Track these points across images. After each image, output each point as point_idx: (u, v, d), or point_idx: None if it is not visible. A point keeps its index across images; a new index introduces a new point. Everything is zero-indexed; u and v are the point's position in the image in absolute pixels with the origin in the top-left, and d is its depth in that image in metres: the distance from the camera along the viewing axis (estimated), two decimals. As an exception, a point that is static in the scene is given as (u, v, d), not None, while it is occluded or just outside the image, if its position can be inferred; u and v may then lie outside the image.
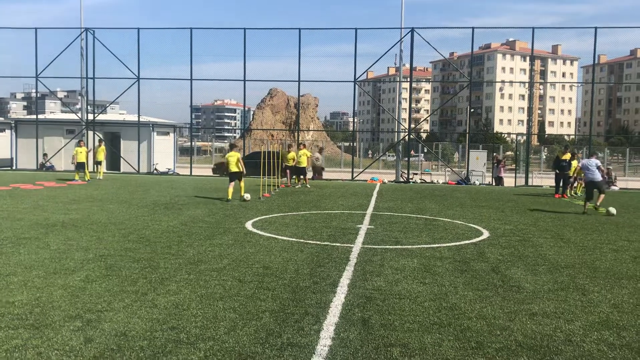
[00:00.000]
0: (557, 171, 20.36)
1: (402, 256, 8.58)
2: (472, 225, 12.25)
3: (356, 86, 29.48)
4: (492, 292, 6.56)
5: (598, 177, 15.34)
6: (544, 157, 45.04)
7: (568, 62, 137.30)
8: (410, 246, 9.48)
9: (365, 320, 5.38)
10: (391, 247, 9.39)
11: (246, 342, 4.72)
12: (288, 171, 22.26)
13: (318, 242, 9.56)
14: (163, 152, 32.95)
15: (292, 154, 22.25)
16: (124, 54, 30.87)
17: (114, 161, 31.48)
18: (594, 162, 15.52)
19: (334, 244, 9.42)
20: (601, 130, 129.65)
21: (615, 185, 26.86)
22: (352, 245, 9.33)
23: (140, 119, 31.27)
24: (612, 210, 14.70)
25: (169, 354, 4.42)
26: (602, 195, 15.37)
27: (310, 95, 66.55)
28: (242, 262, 7.86)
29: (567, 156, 20.19)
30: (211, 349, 4.55)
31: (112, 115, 40.70)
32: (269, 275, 7.10)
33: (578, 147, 49.48)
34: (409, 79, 31.14)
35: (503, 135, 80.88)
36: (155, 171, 31.16)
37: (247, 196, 16.31)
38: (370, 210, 14.73)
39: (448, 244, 9.73)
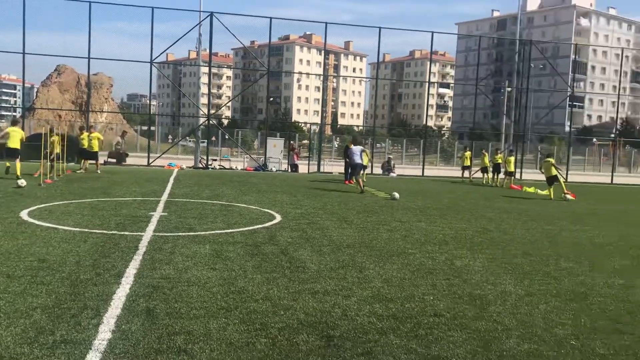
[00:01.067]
0: (347, 159, 21.94)
1: (194, 243, 8.48)
2: (266, 210, 12.60)
3: (153, 67, 28.31)
4: (279, 274, 6.81)
5: (359, 160, 19.17)
6: (336, 146, 48.09)
7: (358, 58, 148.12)
8: (203, 232, 9.42)
9: (150, 310, 5.20)
10: (184, 234, 9.23)
11: (10, 343, 4.25)
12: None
13: (104, 232, 9.01)
14: None
15: (84, 135, 20.66)
16: None
17: None
18: (359, 148, 19.47)
19: (123, 233, 8.96)
20: (385, 123, 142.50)
21: (394, 173, 29.77)
22: (142, 234, 8.96)
23: None
24: (396, 195, 16.31)
25: None
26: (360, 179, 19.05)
27: (103, 74, 62.30)
28: (13, 255, 7.07)
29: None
30: (-35, 354, 4.01)
31: None
32: (44, 268, 6.49)
33: (365, 138, 53.73)
34: (212, 65, 30.82)
35: (300, 124, 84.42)
36: None
37: (22, 182, 14.70)
38: (165, 197, 14.31)
39: (241, 229, 9.87)
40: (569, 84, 40.76)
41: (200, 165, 28.43)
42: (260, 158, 30.39)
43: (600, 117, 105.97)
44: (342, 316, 5.36)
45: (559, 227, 12.26)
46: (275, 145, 29.81)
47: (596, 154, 52.75)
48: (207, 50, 30.82)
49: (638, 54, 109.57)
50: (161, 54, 29.94)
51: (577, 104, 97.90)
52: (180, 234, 9.20)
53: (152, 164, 27.80)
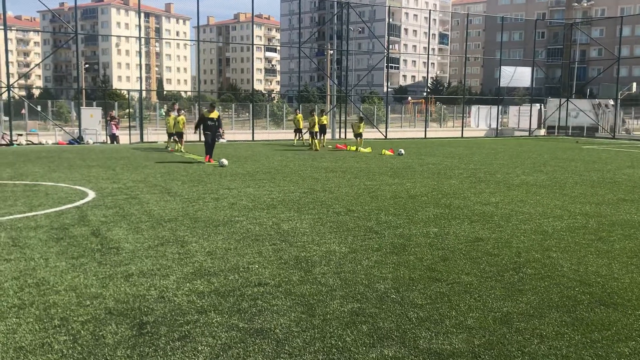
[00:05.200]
0: (205, 131, 17.61)
1: (-14, 231, 7.32)
2: (78, 187, 11.41)
3: None
4: (88, 259, 6.10)
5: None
6: (163, 113, 45.78)
7: (181, 21, 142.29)
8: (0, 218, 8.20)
9: None
10: (-26, 222, 7.94)
11: None
12: None
13: None
14: None
15: None
16: None
17: None
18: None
19: None
20: (214, 88, 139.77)
21: (224, 139, 29.19)
22: None
23: None
24: (224, 161, 15.74)
25: None
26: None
27: None
28: None
29: (215, 114, 17.63)
30: None
31: None
32: None
33: (192, 103, 51.96)
34: (10, 28, 27.14)
35: (122, 92, 79.29)
36: None
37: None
38: (-46, 181, 12.34)
39: (47, 211, 8.78)
40: (385, 46, 43.03)
41: (4, 142, 25.27)
42: (74, 130, 27.81)
43: (414, 77, 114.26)
44: (158, 298, 4.90)
45: (379, 182, 12.80)
46: (92, 116, 27.44)
47: (411, 112, 56.80)
48: (2, 12, 27.01)
49: (444, 17, 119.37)
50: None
51: (393, 65, 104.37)
52: (-31, 222, 7.91)
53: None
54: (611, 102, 38.92)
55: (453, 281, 5.46)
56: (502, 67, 37.91)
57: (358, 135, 24.54)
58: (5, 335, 4.09)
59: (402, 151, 21.32)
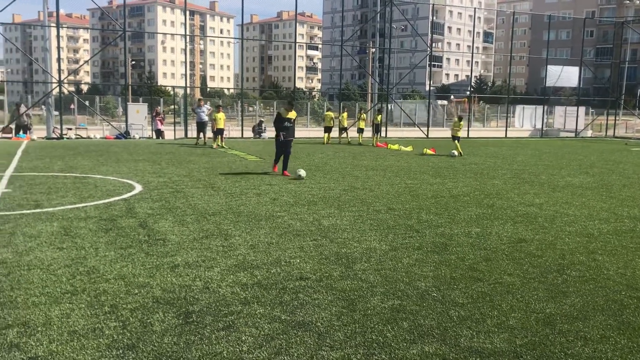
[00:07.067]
0: (281, 132, 13.68)
1: (40, 221, 7.64)
2: (125, 180, 11.76)
3: (-10, 28, 25.19)
4: (136, 249, 6.30)
5: (205, 118, 23.05)
6: (205, 110, 46.60)
7: (225, 19, 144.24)
8: (52, 209, 8.53)
9: (-23, 303, 4.52)
10: (29, 211, 8.29)
11: None
12: None
13: None
14: None
15: None
16: None
17: None
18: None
19: (-48, 215, 7.85)
20: (256, 85, 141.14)
21: (266, 133, 29.47)
22: (-24, 214, 7.91)
23: None
24: (302, 172, 12.98)
25: None
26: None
27: None
28: None
29: (293, 114, 13.94)
30: None
31: None
32: None
33: (236, 100, 52.62)
34: (62, 26, 28.09)
35: (167, 88, 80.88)
36: None
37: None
38: (9, 172, 12.87)
39: (96, 202, 9.08)
40: (428, 44, 42.62)
41: (54, 136, 26.15)
42: (121, 125, 28.58)
43: (457, 75, 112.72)
44: (203, 289, 5.03)
45: (420, 180, 12.74)
46: (138, 111, 28.15)
47: (454, 111, 56.11)
48: (62, 11, 27.95)
49: (489, 15, 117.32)
50: (4, 9, 26.60)
51: (436, 63, 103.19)
52: (24, 211, 8.26)
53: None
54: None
55: (495, 281, 5.42)
56: (548, 66, 37.05)
57: (456, 137, 20.96)
58: (59, 319, 4.28)
59: (455, 153, 19.94)
